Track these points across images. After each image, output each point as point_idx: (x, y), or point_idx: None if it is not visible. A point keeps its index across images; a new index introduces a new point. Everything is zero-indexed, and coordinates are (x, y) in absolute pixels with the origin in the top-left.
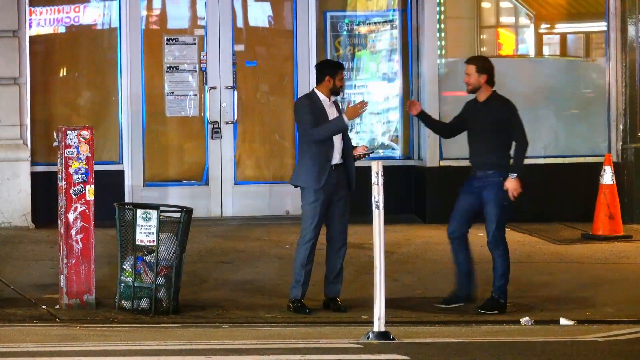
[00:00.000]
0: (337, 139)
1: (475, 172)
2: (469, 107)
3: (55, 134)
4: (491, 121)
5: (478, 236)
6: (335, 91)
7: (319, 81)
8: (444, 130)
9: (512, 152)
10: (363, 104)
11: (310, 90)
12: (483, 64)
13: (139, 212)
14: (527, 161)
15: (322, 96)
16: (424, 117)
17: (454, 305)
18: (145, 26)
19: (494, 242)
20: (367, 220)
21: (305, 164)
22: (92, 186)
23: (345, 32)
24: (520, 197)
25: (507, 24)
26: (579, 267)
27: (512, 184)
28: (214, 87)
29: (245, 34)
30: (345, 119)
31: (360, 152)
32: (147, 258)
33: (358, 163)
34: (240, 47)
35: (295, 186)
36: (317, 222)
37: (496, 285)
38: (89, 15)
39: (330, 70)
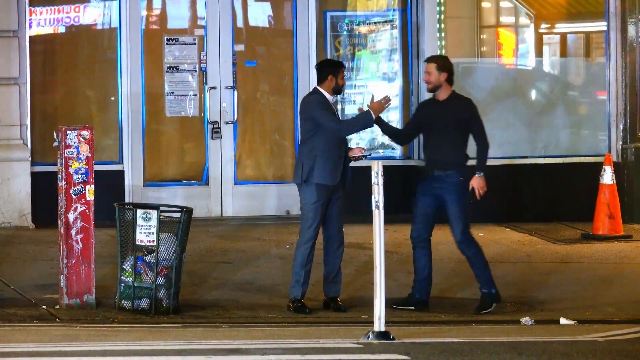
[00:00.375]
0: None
1: (433, 172)
2: (426, 107)
3: (55, 134)
4: (453, 120)
5: (478, 236)
6: (338, 90)
7: (321, 80)
8: (399, 135)
9: (468, 151)
10: (387, 99)
11: (313, 89)
12: (444, 63)
13: (139, 212)
14: (527, 161)
15: (326, 94)
16: (378, 122)
17: (404, 308)
18: (145, 26)
19: (465, 242)
20: (367, 220)
21: (319, 161)
22: (92, 186)
23: (345, 32)
24: (520, 196)
25: (507, 24)
26: (579, 266)
27: (478, 183)
28: (214, 87)
29: (246, 34)
30: (372, 113)
31: (356, 153)
32: (147, 258)
33: (358, 162)
34: (240, 47)
35: (301, 183)
36: (318, 222)
37: (483, 280)
38: (89, 15)
39: (332, 69)
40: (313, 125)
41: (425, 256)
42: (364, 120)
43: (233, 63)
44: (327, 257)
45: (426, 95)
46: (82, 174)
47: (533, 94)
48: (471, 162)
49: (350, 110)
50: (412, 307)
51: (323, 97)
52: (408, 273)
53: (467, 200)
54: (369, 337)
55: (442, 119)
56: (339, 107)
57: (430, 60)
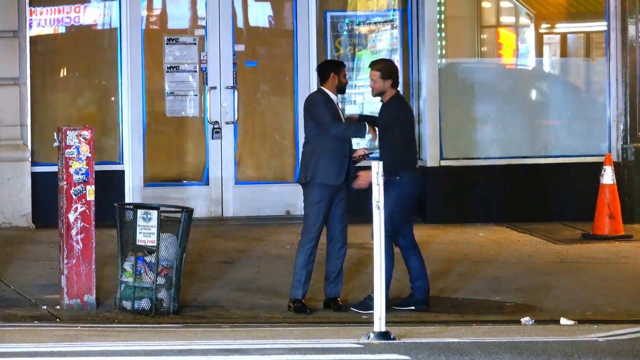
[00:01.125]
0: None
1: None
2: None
3: (55, 134)
4: (387, 123)
5: (478, 236)
6: (341, 88)
7: (323, 79)
8: None
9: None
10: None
11: (317, 89)
12: (387, 70)
13: (140, 212)
14: (527, 161)
15: (330, 94)
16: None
17: (406, 308)
18: (146, 26)
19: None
20: (368, 220)
21: (323, 160)
22: (93, 186)
23: (345, 32)
24: (520, 196)
25: (508, 24)
26: (580, 266)
27: (364, 174)
28: (214, 87)
29: (246, 34)
30: (367, 129)
31: (360, 153)
32: (148, 258)
33: (360, 162)
34: (240, 47)
35: (305, 183)
36: (321, 222)
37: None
38: (89, 16)
39: (334, 68)
40: (315, 126)
41: (414, 255)
42: (357, 129)
43: (233, 63)
44: (329, 258)
45: (426, 95)
46: (82, 174)
47: (533, 94)
48: (467, 162)
49: (350, 110)
50: (413, 307)
51: (327, 96)
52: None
53: (401, 202)
54: (369, 337)
55: (381, 122)
56: (339, 106)
57: (373, 67)
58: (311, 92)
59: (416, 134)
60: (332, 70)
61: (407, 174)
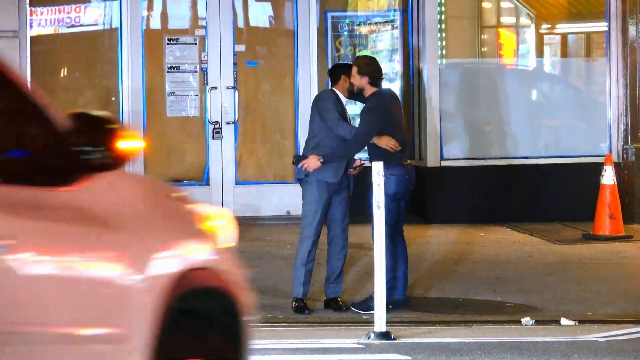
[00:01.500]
0: None
1: None
2: None
3: None
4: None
5: (479, 236)
6: (352, 91)
7: (334, 81)
8: None
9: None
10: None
11: (329, 89)
12: (364, 68)
13: None
14: (527, 161)
15: (341, 95)
16: None
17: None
18: (146, 26)
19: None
20: (368, 220)
21: None
22: None
23: (346, 32)
24: (520, 196)
25: (508, 24)
26: (580, 267)
27: (312, 160)
28: (215, 88)
29: (246, 34)
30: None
31: (357, 164)
32: None
33: (356, 172)
34: (241, 47)
35: (303, 179)
36: (319, 220)
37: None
38: (90, 16)
39: (344, 70)
40: (321, 121)
41: (401, 253)
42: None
43: (234, 63)
44: (330, 258)
45: (427, 95)
46: None
47: (533, 94)
48: (467, 162)
49: (351, 111)
50: (390, 307)
51: (336, 96)
52: (408, 273)
53: (388, 200)
54: (369, 337)
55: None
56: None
57: (354, 62)
58: (312, 92)
59: (417, 133)
60: (342, 72)
61: (392, 172)
